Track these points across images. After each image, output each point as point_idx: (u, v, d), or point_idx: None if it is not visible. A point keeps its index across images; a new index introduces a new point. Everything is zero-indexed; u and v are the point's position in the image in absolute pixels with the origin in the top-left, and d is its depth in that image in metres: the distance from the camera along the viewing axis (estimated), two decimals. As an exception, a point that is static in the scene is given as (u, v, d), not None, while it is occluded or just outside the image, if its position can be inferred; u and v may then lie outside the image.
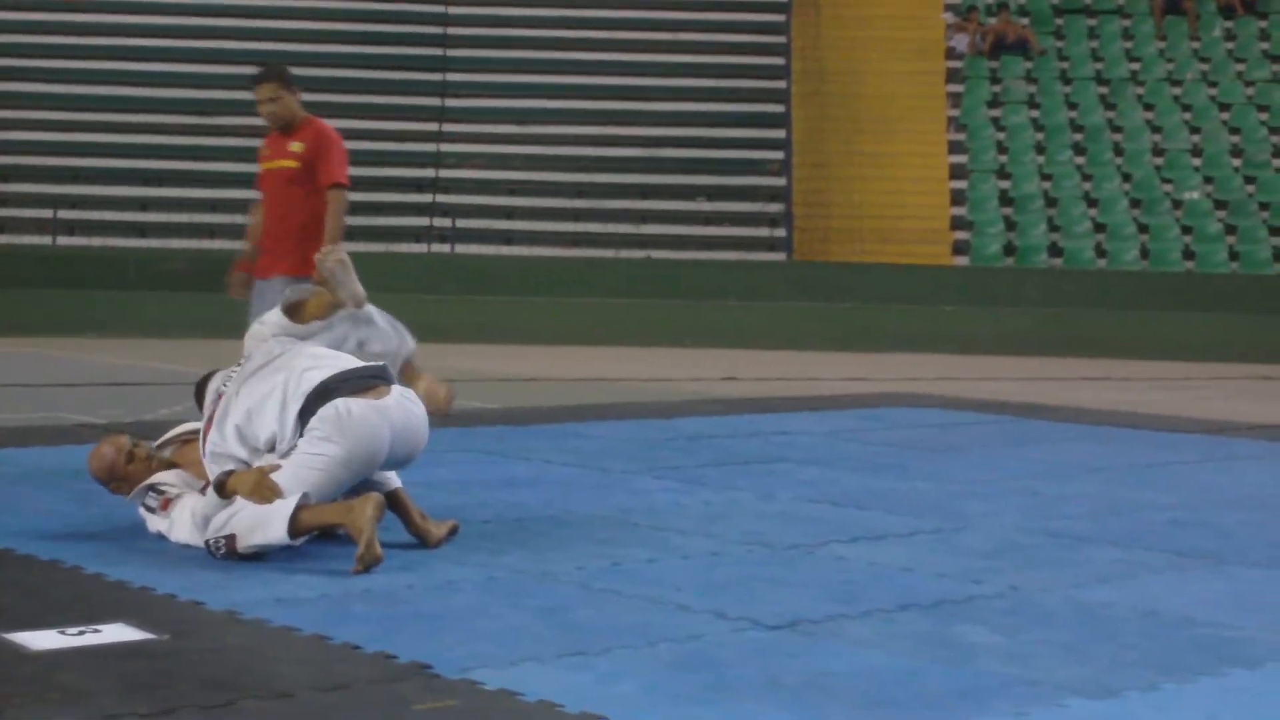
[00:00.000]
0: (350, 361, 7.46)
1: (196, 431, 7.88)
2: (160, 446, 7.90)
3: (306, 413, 7.14)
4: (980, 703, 5.13)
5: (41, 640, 5.53)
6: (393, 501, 7.33)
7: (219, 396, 7.46)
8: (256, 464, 7.23)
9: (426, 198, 29.29)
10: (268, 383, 7.32)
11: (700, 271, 27.33)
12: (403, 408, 7.31)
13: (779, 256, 28.36)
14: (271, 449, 7.20)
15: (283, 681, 5.13)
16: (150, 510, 7.59)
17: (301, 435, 7.12)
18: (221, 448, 7.29)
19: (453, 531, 7.51)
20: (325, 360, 7.44)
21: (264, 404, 7.23)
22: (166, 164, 29.02)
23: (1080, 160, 29.69)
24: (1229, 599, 6.81)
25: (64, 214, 27.50)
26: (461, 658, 5.43)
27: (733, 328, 25.31)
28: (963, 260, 28.09)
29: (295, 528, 6.91)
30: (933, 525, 8.38)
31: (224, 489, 7.18)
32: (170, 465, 7.81)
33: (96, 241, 27.10)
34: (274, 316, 7.72)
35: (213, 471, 7.31)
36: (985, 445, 12.06)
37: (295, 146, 10.25)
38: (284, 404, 7.20)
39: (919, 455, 11.28)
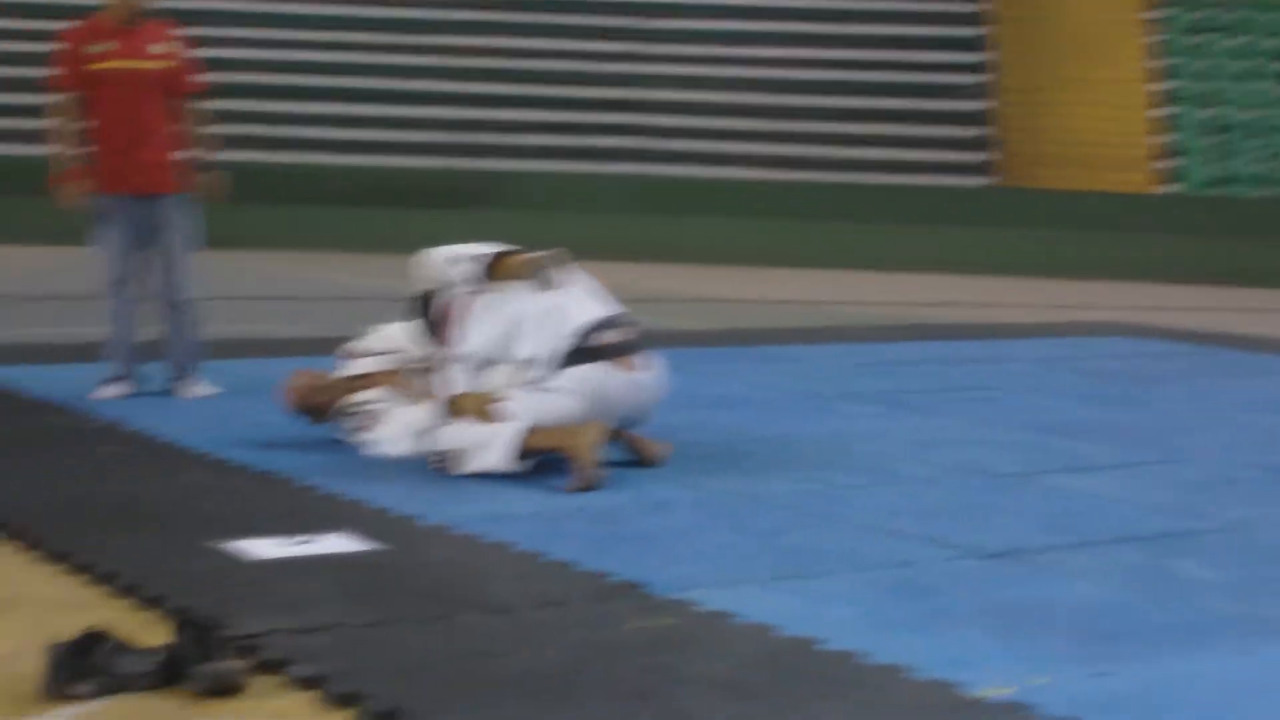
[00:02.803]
0: (613, 304, 7.46)
1: (396, 356, 7.95)
2: (352, 374, 7.99)
3: (572, 357, 7.16)
4: (1200, 640, 5.01)
5: (260, 549, 5.60)
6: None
7: (466, 294, 7.45)
8: (494, 374, 7.27)
9: (629, 118, 29.26)
10: (542, 300, 7.30)
11: (905, 196, 27.09)
12: (652, 385, 7.38)
13: (984, 181, 28.03)
14: (525, 367, 7.23)
15: (497, 597, 5.15)
16: (355, 432, 7.67)
17: (558, 369, 7.16)
18: (472, 349, 7.33)
19: (667, 451, 7.50)
20: (597, 299, 7.46)
21: (536, 323, 7.24)
22: (372, 82, 29.21)
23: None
24: None
25: (272, 130, 27.82)
26: (674, 578, 5.41)
27: (938, 252, 25.07)
28: (1170, 188, 27.57)
29: (518, 451, 6.94)
30: (1149, 457, 8.22)
31: (449, 408, 7.22)
32: (366, 386, 7.87)
33: (305, 157, 27.40)
34: (467, 269, 7.57)
35: (452, 371, 7.36)
36: (1201, 377, 11.82)
37: (158, 48, 9.09)
38: (551, 334, 7.21)
39: (1134, 385, 11.09)
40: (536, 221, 21.14)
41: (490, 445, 6.96)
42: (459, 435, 7.04)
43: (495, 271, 7.48)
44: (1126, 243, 25.44)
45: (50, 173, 9.05)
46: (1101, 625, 5.09)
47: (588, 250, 8.54)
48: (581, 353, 7.17)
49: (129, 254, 9.10)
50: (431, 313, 7.57)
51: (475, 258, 7.48)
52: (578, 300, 7.37)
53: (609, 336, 7.25)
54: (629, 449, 7.41)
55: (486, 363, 7.34)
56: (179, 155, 9.26)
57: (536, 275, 7.39)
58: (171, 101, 9.21)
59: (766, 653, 4.66)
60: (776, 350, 12.36)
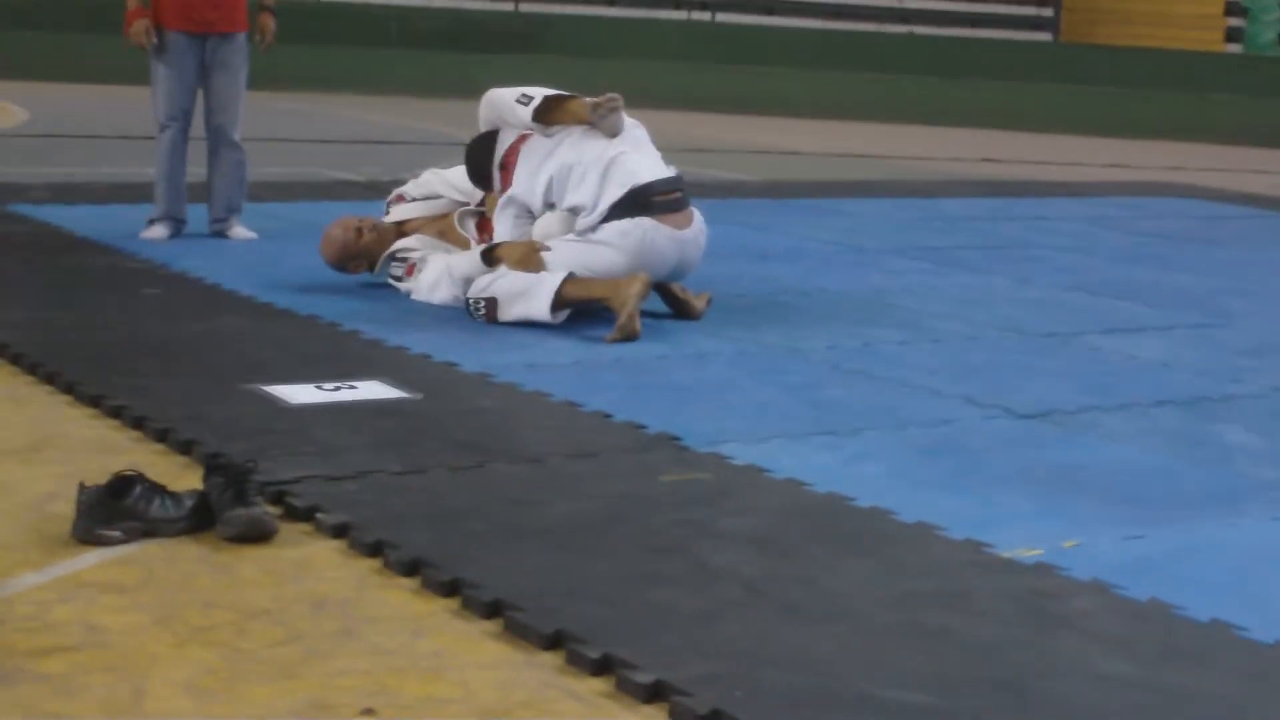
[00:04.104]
0: (662, 163, 7.43)
1: (444, 201, 7.93)
2: (398, 219, 7.98)
3: (618, 208, 7.13)
4: (1233, 504, 5.01)
5: (299, 394, 5.62)
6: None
7: (520, 138, 7.44)
8: (538, 224, 7.26)
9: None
10: (595, 148, 7.27)
11: (963, 49, 26.80)
12: (696, 242, 7.32)
13: (1045, 36, 27.72)
14: (572, 216, 7.23)
15: (532, 446, 5.16)
16: (397, 279, 7.67)
17: (605, 221, 7.13)
18: (522, 195, 7.32)
19: (708, 303, 7.49)
20: (649, 152, 7.42)
21: (587, 171, 7.21)
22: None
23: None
24: None
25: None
26: (710, 431, 5.41)
27: (994, 108, 24.82)
28: (1235, 48, 27.21)
29: (559, 301, 6.94)
30: (1193, 320, 8.17)
31: (491, 257, 7.21)
32: (404, 233, 7.86)
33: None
34: (525, 115, 7.52)
35: (500, 216, 7.35)
36: (1251, 241, 11.72)
37: None
38: (602, 183, 7.17)
39: (1182, 248, 11.00)
40: (587, 68, 21.01)
41: (532, 294, 6.96)
42: (501, 283, 7.03)
43: (552, 115, 7.44)
44: (1190, 103, 25.14)
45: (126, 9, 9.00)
46: (1135, 489, 5.08)
47: (639, 98, 8.47)
48: (629, 205, 7.13)
49: (184, 92, 9.08)
50: (495, 155, 7.53)
51: (535, 99, 7.44)
52: (631, 152, 7.32)
53: (658, 191, 7.21)
54: (670, 301, 7.40)
55: (533, 209, 7.33)
56: None
57: (598, 121, 7.34)
58: None
59: (798, 508, 4.67)
60: (826, 204, 12.29)
